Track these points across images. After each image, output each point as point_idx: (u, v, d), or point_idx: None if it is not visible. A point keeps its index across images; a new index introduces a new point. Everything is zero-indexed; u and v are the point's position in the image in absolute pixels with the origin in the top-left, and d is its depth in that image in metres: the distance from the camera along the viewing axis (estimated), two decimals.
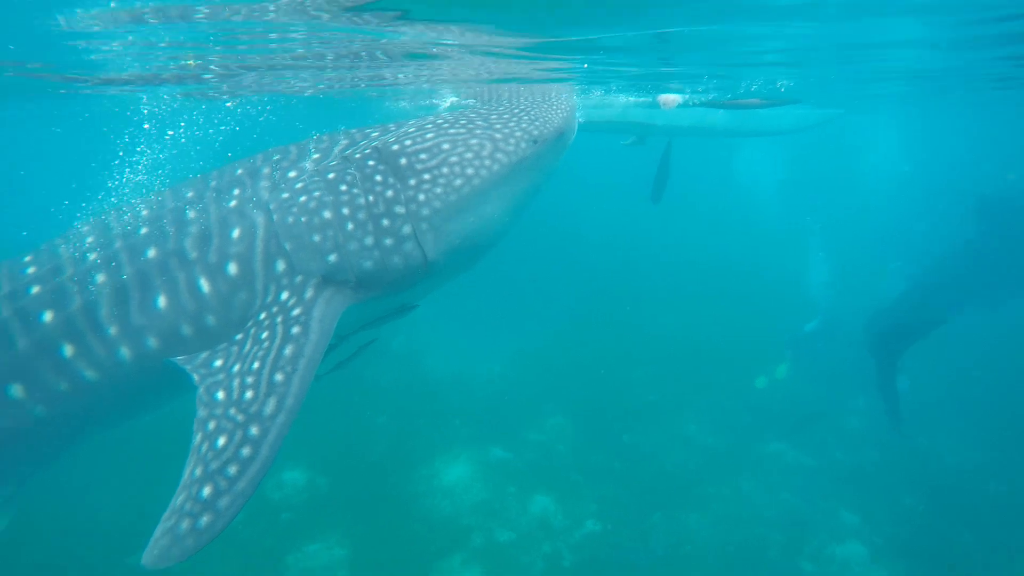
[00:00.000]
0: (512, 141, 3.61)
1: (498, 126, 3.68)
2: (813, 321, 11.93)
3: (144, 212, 3.50)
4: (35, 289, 3.30)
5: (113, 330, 3.22)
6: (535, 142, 3.67)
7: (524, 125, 3.70)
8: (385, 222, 3.31)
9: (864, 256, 15.79)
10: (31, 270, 3.41)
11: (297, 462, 8.27)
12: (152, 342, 3.23)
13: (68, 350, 3.21)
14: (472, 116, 3.79)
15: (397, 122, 3.87)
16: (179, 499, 2.63)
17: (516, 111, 3.85)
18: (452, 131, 3.62)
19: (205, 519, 2.54)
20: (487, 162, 3.50)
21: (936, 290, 9.94)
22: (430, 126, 3.68)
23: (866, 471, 8.96)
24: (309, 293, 3.20)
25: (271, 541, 7.10)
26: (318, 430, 7.75)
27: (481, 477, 8.39)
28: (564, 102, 4.00)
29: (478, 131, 3.63)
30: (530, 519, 7.74)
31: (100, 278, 3.27)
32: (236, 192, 3.45)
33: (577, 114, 4.09)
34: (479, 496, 8.03)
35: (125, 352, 3.23)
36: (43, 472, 3.78)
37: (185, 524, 2.55)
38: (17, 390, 3.22)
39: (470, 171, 3.45)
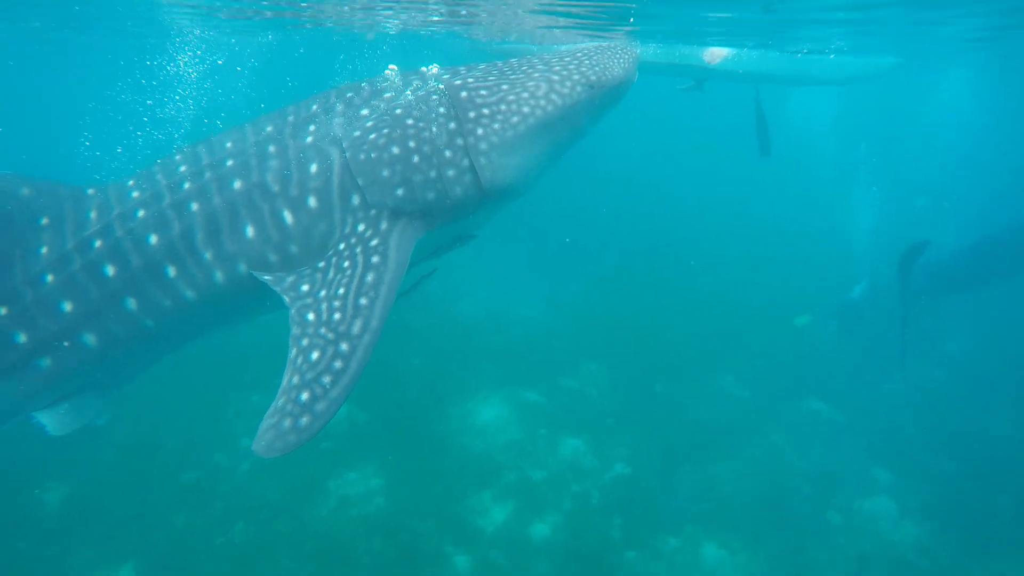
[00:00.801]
0: (568, 84, 3.74)
1: (557, 68, 3.82)
2: (860, 285, 11.61)
3: (228, 144, 3.74)
4: (141, 213, 3.61)
5: (208, 254, 3.55)
6: (591, 87, 3.78)
7: (583, 69, 3.82)
8: (447, 154, 3.53)
9: (917, 221, 15.27)
10: (135, 194, 3.70)
11: None
12: (242, 267, 3.55)
13: (171, 271, 3.57)
14: (535, 61, 3.97)
15: (467, 65, 4.02)
16: (280, 401, 2.96)
17: (578, 56, 3.96)
18: (512, 74, 3.81)
19: (305, 419, 2.87)
20: (542, 102, 3.65)
21: (993, 251, 9.59)
22: (494, 68, 3.90)
23: (904, 433, 8.85)
24: (384, 225, 3.47)
25: (313, 467, 7.43)
26: None
27: (513, 418, 8.57)
28: (626, 51, 4.06)
29: (536, 74, 3.79)
30: (560, 460, 7.91)
31: (194, 206, 3.57)
32: (312, 128, 3.67)
33: (636, 63, 4.11)
34: (511, 436, 8.23)
35: (219, 276, 3.58)
36: (146, 374, 4.24)
37: (287, 423, 2.86)
38: (131, 303, 3.61)
39: (526, 109, 3.62)
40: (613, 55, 3.99)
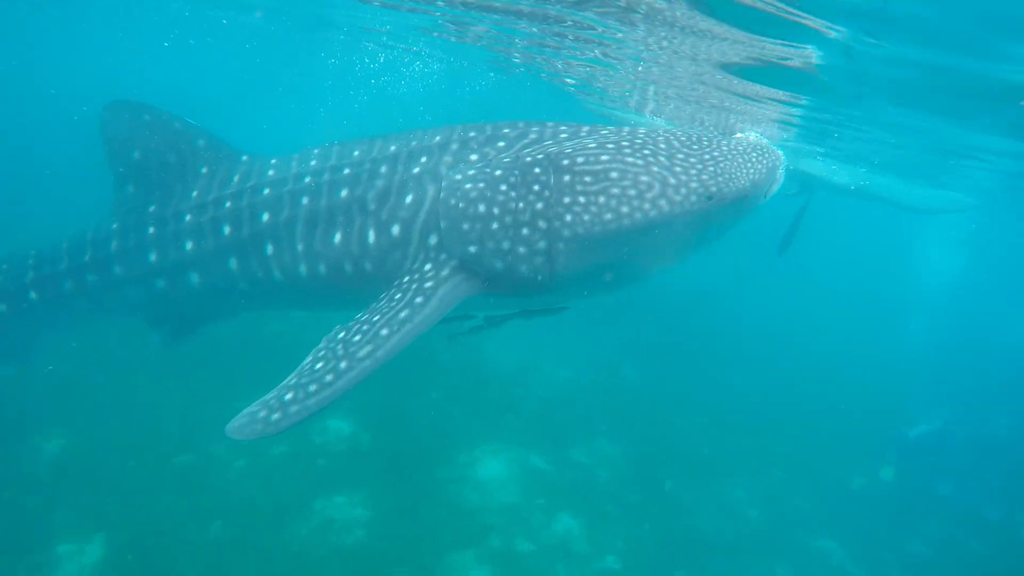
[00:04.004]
0: (683, 192, 3.32)
1: (678, 169, 3.39)
2: (922, 425, 10.87)
3: (355, 153, 3.94)
4: (266, 191, 3.98)
5: (300, 247, 3.84)
6: (709, 198, 3.36)
7: (704, 177, 3.38)
8: (525, 231, 3.37)
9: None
10: (270, 173, 4.08)
11: (346, 413, 8.45)
12: (322, 268, 3.81)
13: (269, 249, 3.93)
14: (662, 146, 3.52)
15: (592, 126, 3.77)
16: (270, 395, 3.17)
17: (712, 154, 3.50)
18: (629, 159, 3.41)
19: (276, 415, 3.07)
20: (646, 205, 3.29)
21: None
22: (611, 146, 3.50)
23: None
24: (445, 272, 3.50)
25: (304, 482, 7.29)
26: (373, 387, 7.87)
27: (515, 480, 8.29)
28: (765, 156, 3.60)
29: (655, 168, 3.37)
30: (552, 536, 7.59)
31: (304, 200, 3.86)
32: (423, 160, 3.75)
33: (774, 175, 3.66)
34: (508, 499, 7.95)
35: (303, 268, 3.86)
36: (231, 322, 4.74)
37: (262, 413, 3.09)
38: (233, 263, 4.04)
39: (624, 209, 3.29)
40: (746, 161, 3.50)
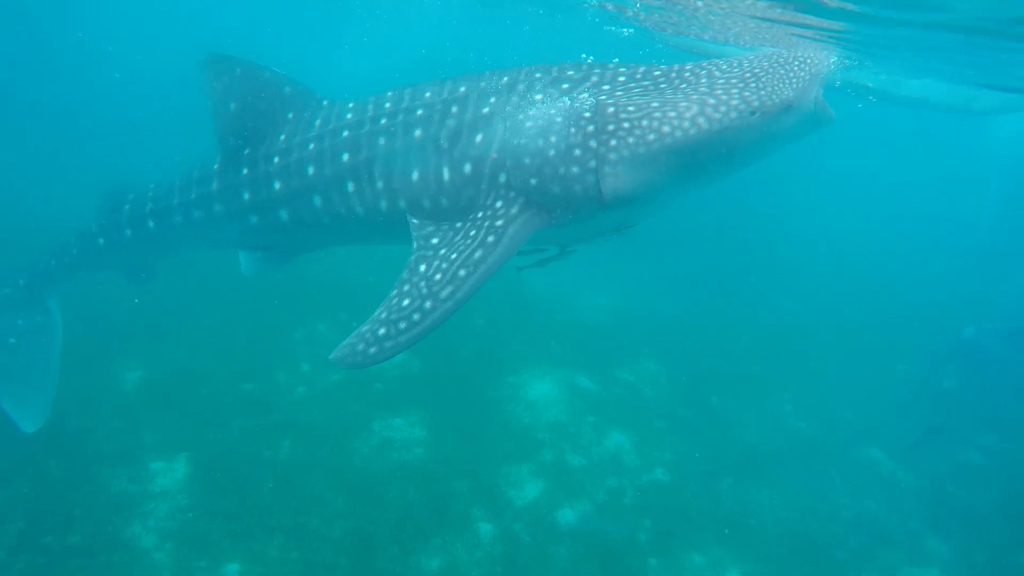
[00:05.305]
0: (722, 109, 3.47)
1: (719, 91, 3.55)
2: (974, 325, 10.77)
3: (427, 94, 4.12)
4: (345, 133, 4.23)
5: (380, 184, 4.07)
6: (752, 113, 3.47)
7: (747, 94, 3.51)
8: (577, 152, 3.59)
9: None
10: (348, 116, 4.29)
11: None
12: (402, 203, 4.03)
13: (351, 186, 4.16)
14: (704, 78, 3.69)
15: (648, 66, 3.94)
16: (364, 327, 3.49)
17: (753, 71, 3.62)
18: (668, 91, 3.64)
19: (373, 349, 3.41)
20: (685, 124, 3.47)
21: None
22: (650, 83, 3.75)
23: (975, 510, 8.21)
24: (514, 209, 3.72)
25: (361, 405, 7.68)
26: None
27: (564, 400, 8.56)
28: (805, 67, 3.63)
29: (694, 95, 3.57)
30: (602, 451, 7.88)
31: (381, 141, 4.08)
32: (492, 100, 3.92)
33: (817, 81, 3.62)
34: (558, 417, 8.24)
35: (384, 204, 4.09)
36: (316, 253, 5.10)
37: (360, 346, 3.42)
38: (317, 200, 4.29)
39: (666, 128, 3.48)
40: (788, 72, 3.58)
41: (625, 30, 11.29)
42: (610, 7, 9.85)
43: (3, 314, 5.66)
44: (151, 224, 5.01)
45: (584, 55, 4.24)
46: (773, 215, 17.57)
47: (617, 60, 4.03)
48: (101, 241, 5.30)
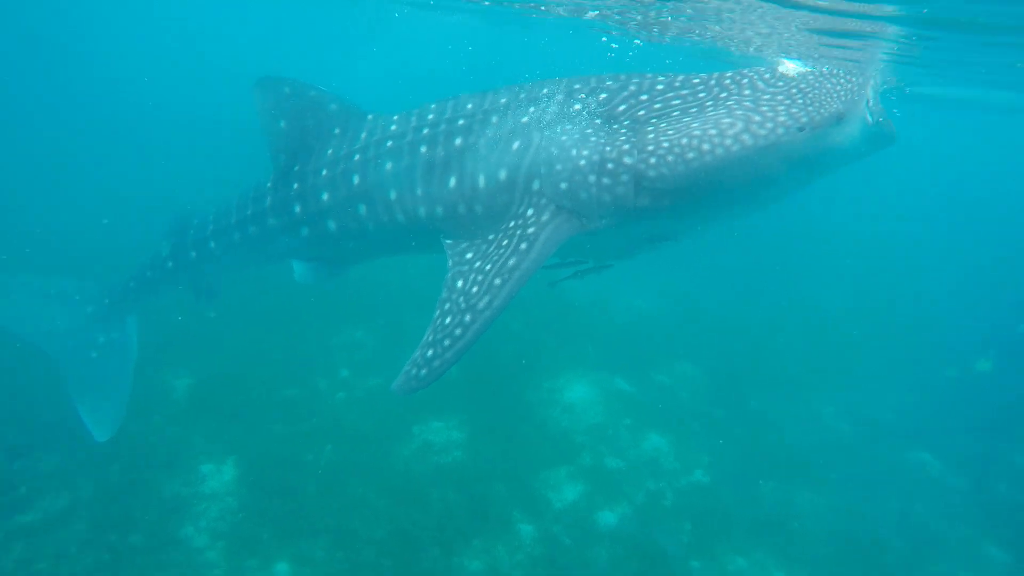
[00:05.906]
0: (768, 126, 3.40)
1: (765, 108, 3.47)
2: None
3: (468, 106, 4.26)
4: (389, 144, 4.38)
5: (420, 191, 4.20)
6: (800, 129, 3.38)
7: (794, 110, 3.41)
8: (610, 166, 3.65)
9: None
10: (392, 128, 4.45)
11: None
12: (439, 210, 4.14)
13: (392, 195, 4.31)
14: (747, 91, 3.64)
15: (686, 76, 3.95)
16: (417, 353, 3.64)
17: (799, 86, 3.55)
18: (709, 106, 3.61)
19: (424, 371, 3.56)
20: (727, 141, 3.40)
21: None
22: (687, 93, 3.74)
23: None
24: (545, 216, 3.78)
25: (402, 410, 7.80)
26: None
27: (601, 402, 8.57)
28: (852, 80, 3.58)
29: (738, 110, 3.50)
30: (640, 453, 7.86)
31: (423, 149, 4.22)
32: (531, 110, 4.01)
33: (865, 93, 3.55)
34: (596, 420, 8.25)
35: (422, 211, 4.21)
36: (363, 265, 5.23)
37: (413, 371, 3.59)
38: (362, 209, 4.45)
39: (706, 147, 3.44)
40: (835, 85, 3.50)
41: (636, 40, 11.25)
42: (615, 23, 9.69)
43: (88, 330, 5.94)
44: (212, 244, 5.24)
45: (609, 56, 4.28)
46: (812, 213, 17.30)
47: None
48: (171, 264, 5.57)
